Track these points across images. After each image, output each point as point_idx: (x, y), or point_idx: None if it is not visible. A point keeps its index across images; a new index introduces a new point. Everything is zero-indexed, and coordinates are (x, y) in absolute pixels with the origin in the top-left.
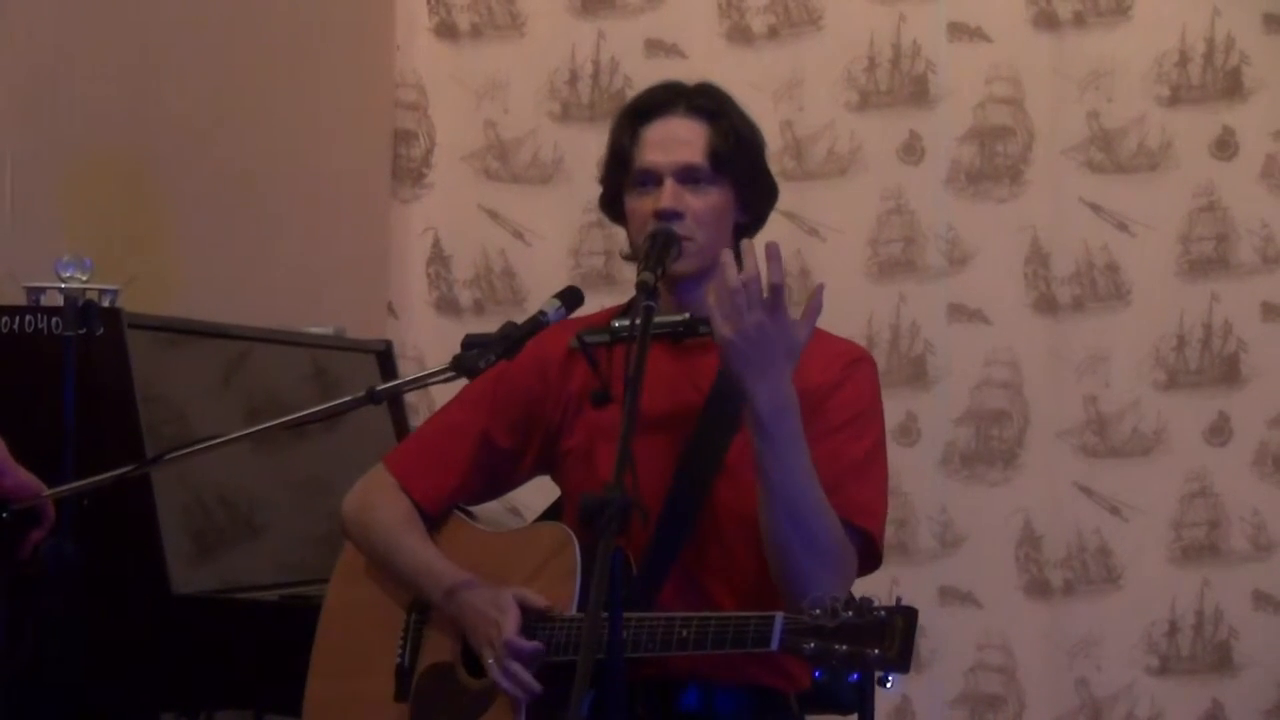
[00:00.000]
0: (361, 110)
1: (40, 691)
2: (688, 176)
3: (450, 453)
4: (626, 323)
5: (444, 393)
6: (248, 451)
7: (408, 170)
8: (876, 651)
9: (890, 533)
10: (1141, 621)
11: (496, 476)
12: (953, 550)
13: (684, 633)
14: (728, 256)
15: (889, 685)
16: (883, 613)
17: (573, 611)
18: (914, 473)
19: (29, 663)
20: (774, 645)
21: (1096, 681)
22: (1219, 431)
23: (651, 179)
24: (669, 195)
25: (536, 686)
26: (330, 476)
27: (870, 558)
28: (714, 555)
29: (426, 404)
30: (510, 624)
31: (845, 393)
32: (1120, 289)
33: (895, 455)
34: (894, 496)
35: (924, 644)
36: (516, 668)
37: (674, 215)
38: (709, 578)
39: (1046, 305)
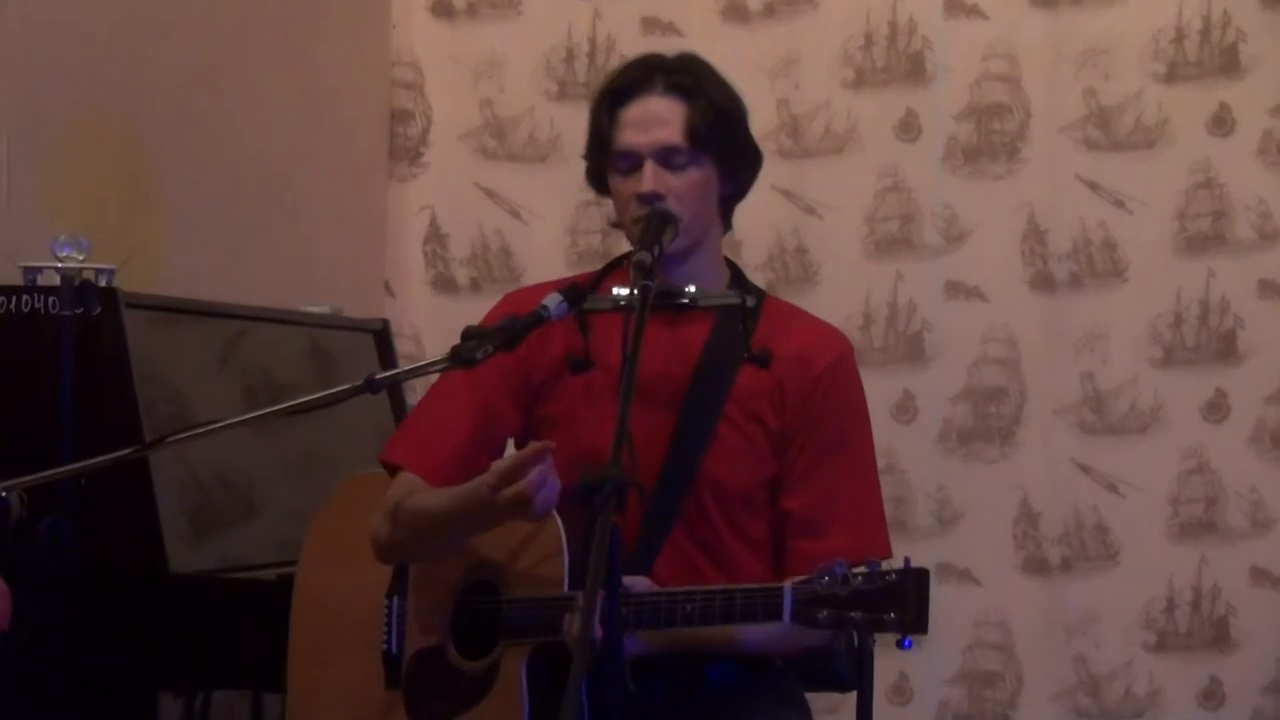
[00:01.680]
0: (358, 89)
1: (38, 672)
2: (667, 157)
3: (449, 425)
4: (626, 292)
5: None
6: (245, 431)
7: (404, 149)
8: (893, 615)
9: (888, 510)
10: (1139, 598)
11: (492, 444)
12: (950, 528)
13: (688, 607)
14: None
15: (908, 646)
16: (894, 576)
17: (564, 589)
18: (911, 451)
19: (27, 643)
20: (786, 617)
21: (1095, 658)
22: (1216, 408)
23: (631, 161)
24: (650, 179)
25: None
26: (328, 455)
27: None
28: (701, 530)
29: (424, 384)
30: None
31: (831, 406)
32: (1117, 266)
33: (892, 433)
34: (891, 474)
35: None
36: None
37: (656, 198)
38: (698, 552)
39: (1043, 283)
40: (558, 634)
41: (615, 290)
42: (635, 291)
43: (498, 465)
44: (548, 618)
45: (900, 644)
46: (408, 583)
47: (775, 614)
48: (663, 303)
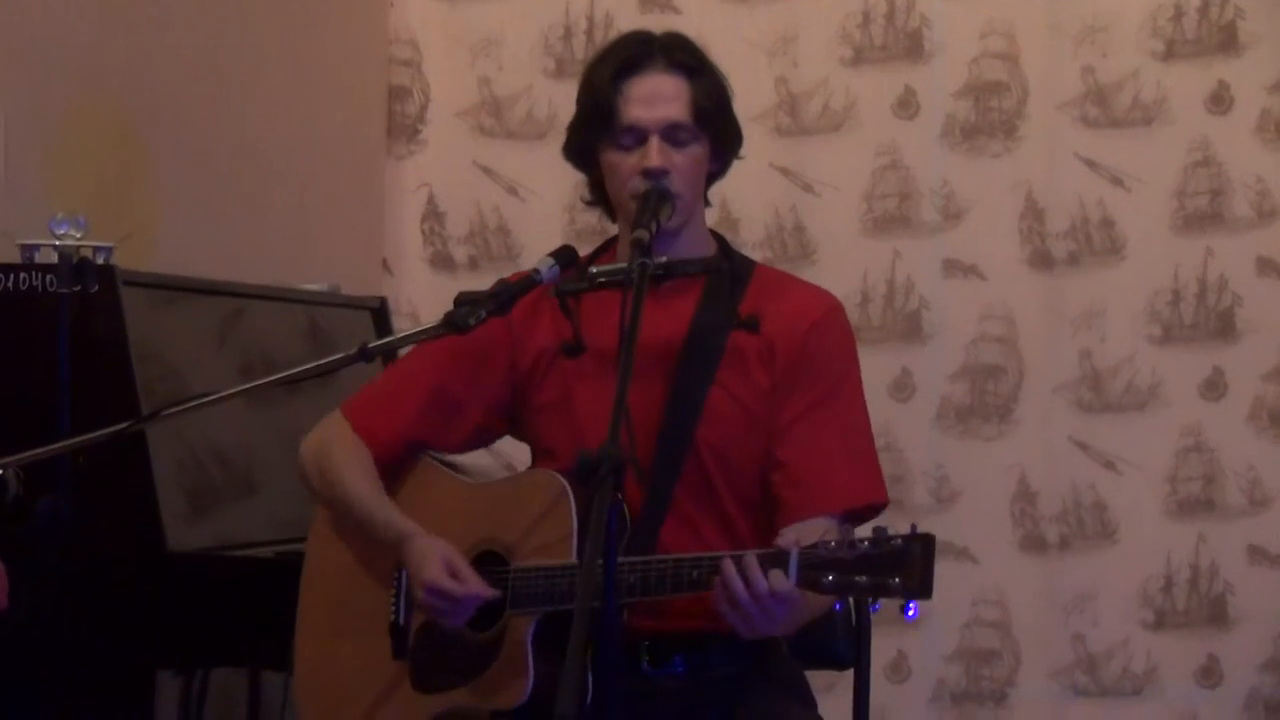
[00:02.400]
0: (356, 67)
1: (36, 650)
2: (673, 133)
3: (402, 398)
4: (605, 268)
5: None
6: (243, 408)
7: (402, 127)
8: (897, 580)
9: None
10: (1137, 576)
11: (450, 424)
12: (948, 506)
13: (694, 573)
14: (730, 569)
15: (912, 614)
16: (900, 541)
17: (571, 558)
18: (909, 429)
19: (24, 622)
20: (792, 579)
21: (1092, 636)
22: (1214, 386)
23: (637, 136)
24: (656, 154)
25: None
26: None
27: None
28: (703, 496)
29: None
30: (432, 571)
31: (822, 354)
32: (1115, 244)
33: (890, 411)
34: (889, 453)
35: None
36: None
37: (662, 173)
38: (701, 519)
39: (1041, 260)
40: (564, 603)
41: (592, 269)
42: (635, 267)
43: (453, 562)
44: (555, 588)
45: (904, 610)
46: None
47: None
48: (611, 279)
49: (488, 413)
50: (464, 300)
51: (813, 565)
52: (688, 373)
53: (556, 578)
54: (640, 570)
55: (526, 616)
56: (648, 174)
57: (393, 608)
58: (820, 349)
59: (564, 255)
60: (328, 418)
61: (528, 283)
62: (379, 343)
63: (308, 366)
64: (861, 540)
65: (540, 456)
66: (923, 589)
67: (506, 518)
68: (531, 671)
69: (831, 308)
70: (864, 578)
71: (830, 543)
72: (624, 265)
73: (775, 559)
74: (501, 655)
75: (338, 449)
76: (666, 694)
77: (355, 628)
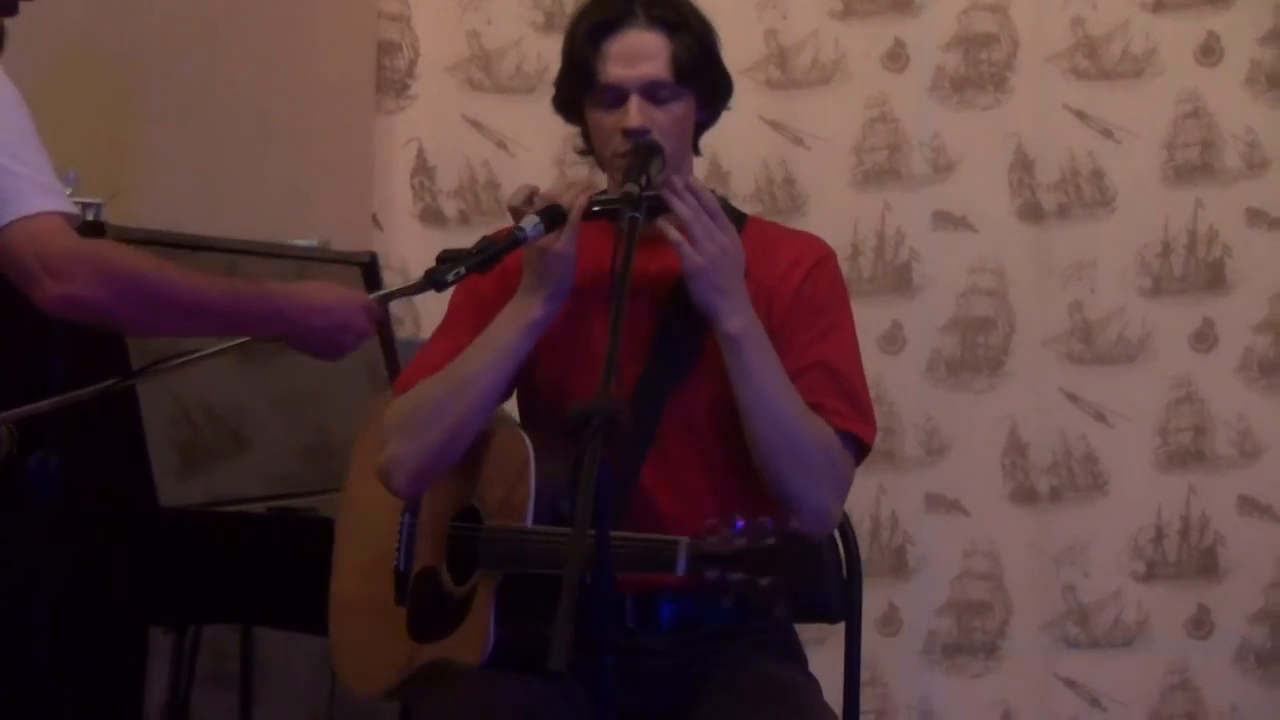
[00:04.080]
0: (345, 21)
1: (28, 607)
2: (653, 91)
3: (434, 355)
4: (602, 196)
5: (428, 303)
6: (234, 365)
7: (391, 82)
8: (768, 580)
9: (876, 440)
10: (1128, 528)
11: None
12: (939, 458)
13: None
14: (677, 186)
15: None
16: (773, 539)
17: (528, 522)
18: (899, 381)
19: (17, 578)
20: (680, 570)
21: (1083, 588)
22: (1204, 338)
23: (617, 95)
24: (636, 113)
25: None
26: (316, 389)
27: (863, 451)
28: (688, 439)
29: (411, 316)
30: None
31: (817, 295)
32: (1105, 196)
33: (881, 363)
34: (880, 405)
35: (911, 552)
36: None
37: (643, 133)
38: (687, 465)
39: (1031, 213)
40: (522, 567)
41: (591, 197)
42: (624, 222)
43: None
44: (513, 550)
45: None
46: (421, 501)
47: (671, 567)
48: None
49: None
50: (445, 257)
51: (699, 557)
52: (676, 318)
53: (514, 540)
54: (560, 543)
55: (492, 576)
56: (628, 133)
57: (396, 552)
58: (815, 294)
59: (550, 213)
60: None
61: (512, 241)
62: (377, 294)
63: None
64: (740, 535)
65: (523, 396)
66: (789, 594)
67: (483, 475)
68: (493, 634)
69: (825, 255)
70: (738, 575)
71: (713, 536)
72: (618, 194)
73: (668, 547)
74: (470, 613)
75: (385, 420)
76: (652, 650)
77: (371, 569)
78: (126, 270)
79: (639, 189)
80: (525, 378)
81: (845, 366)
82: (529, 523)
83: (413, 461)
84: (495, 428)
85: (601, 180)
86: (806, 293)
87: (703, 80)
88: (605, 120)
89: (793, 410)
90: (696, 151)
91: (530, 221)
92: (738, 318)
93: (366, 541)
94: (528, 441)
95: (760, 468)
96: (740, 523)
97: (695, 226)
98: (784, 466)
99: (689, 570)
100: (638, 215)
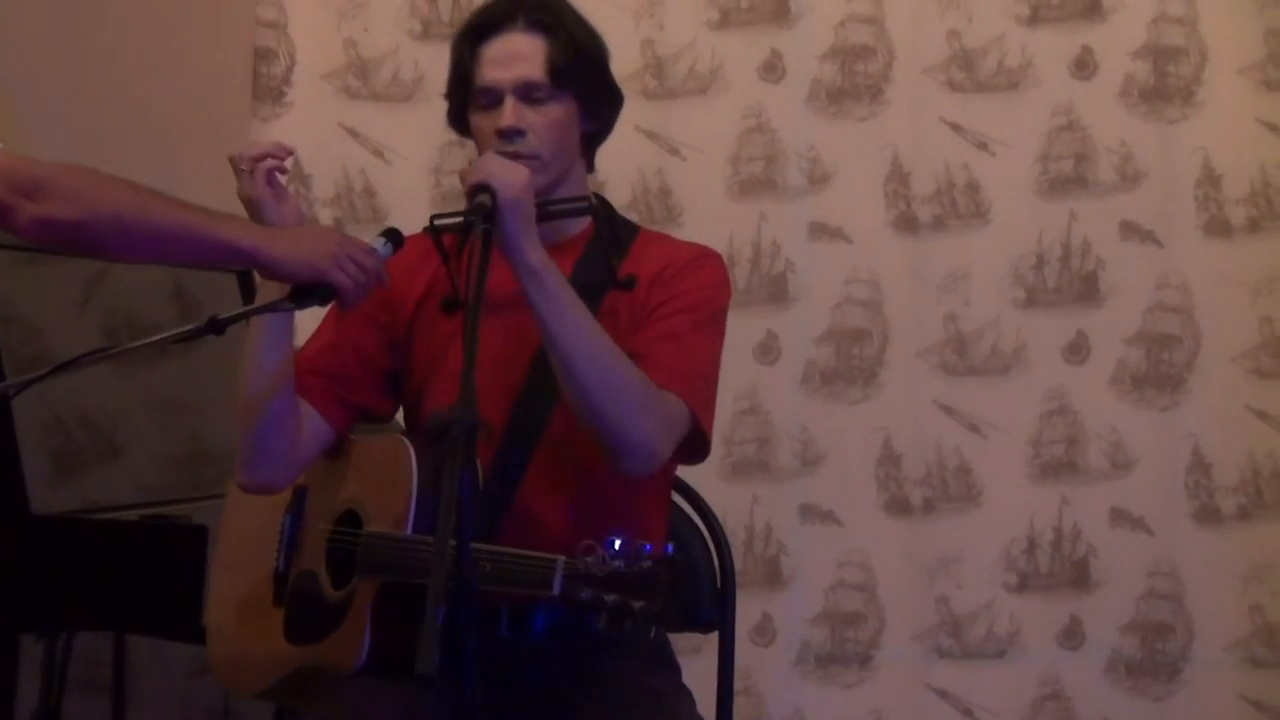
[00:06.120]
0: (221, 28)
1: None
2: (528, 92)
3: (306, 353)
4: (445, 214)
5: None
6: (108, 372)
7: (268, 89)
8: (641, 604)
9: (750, 450)
10: (1001, 539)
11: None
12: (813, 469)
13: (487, 566)
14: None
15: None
16: (649, 563)
17: (408, 530)
18: (774, 391)
19: None
20: (555, 590)
21: (956, 599)
22: (1077, 350)
23: (492, 97)
24: (510, 113)
25: None
26: (190, 396)
27: (696, 444)
28: (567, 456)
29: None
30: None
31: (690, 280)
32: (980, 208)
33: (756, 374)
34: (754, 415)
35: (785, 562)
36: None
37: (516, 133)
38: (563, 479)
39: (907, 224)
40: (399, 575)
41: (436, 222)
42: (478, 234)
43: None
44: (391, 558)
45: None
46: (304, 503)
47: (547, 585)
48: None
49: (393, 363)
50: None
51: (572, 577)
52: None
53: (397, 548)
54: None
55: (372, 582)
56: (501, 134)
57: (276, 554)
58: (685, 278)
59: (395, 234)
60: None
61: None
62: (229, 315)
63: (158, 337)
64: (616, 557)
65: (405, 405)
66: (664, 617)
67: (366, 479)
68: (368, 640)
69: (708, 253)
70: (612, 596)
71: (589, 557)
72: (463, 211)
73: (545, 565)
74: (346, 619)
75: None
76: (524, 658)
77: (251, 567)
78: (106, 196)
79: (490, 199)
80: (404, 388)
81: (700, 358)
82: (409, 530)
83: (241, 454)
84: (381, 435)
85: None
86: (679, 277)
87: (581, 84)
88: (483, 123)
89: (604, 344)
90: (590, 166)
91: (378, 243)
92: (539, 253)
93: (249, 541)
94: (411, 449)
95: (577, 409)
96: (617, 543)
97: (494, 163)
98: (600, 400)
99: (564, 590)
100: (491, 228)
